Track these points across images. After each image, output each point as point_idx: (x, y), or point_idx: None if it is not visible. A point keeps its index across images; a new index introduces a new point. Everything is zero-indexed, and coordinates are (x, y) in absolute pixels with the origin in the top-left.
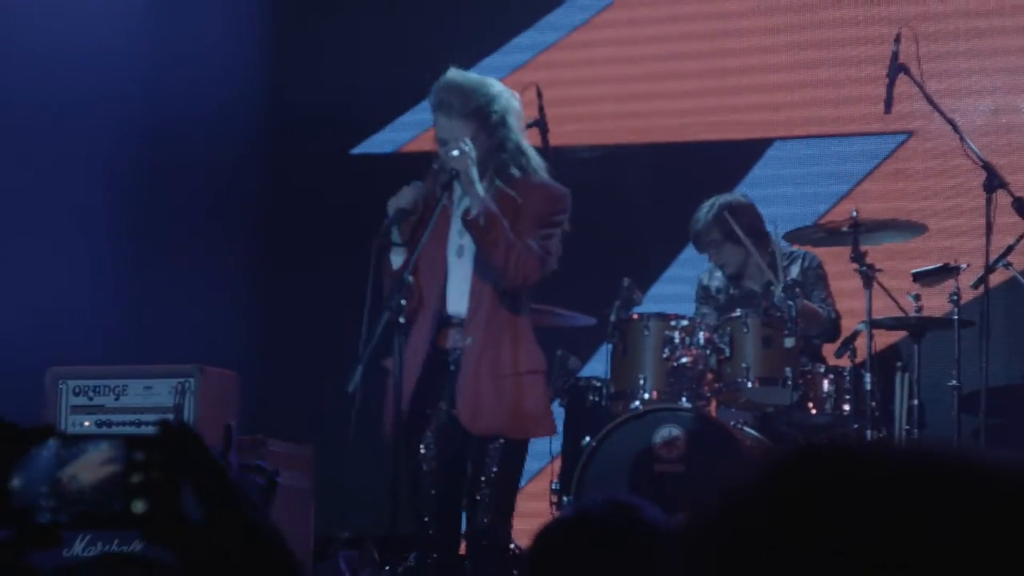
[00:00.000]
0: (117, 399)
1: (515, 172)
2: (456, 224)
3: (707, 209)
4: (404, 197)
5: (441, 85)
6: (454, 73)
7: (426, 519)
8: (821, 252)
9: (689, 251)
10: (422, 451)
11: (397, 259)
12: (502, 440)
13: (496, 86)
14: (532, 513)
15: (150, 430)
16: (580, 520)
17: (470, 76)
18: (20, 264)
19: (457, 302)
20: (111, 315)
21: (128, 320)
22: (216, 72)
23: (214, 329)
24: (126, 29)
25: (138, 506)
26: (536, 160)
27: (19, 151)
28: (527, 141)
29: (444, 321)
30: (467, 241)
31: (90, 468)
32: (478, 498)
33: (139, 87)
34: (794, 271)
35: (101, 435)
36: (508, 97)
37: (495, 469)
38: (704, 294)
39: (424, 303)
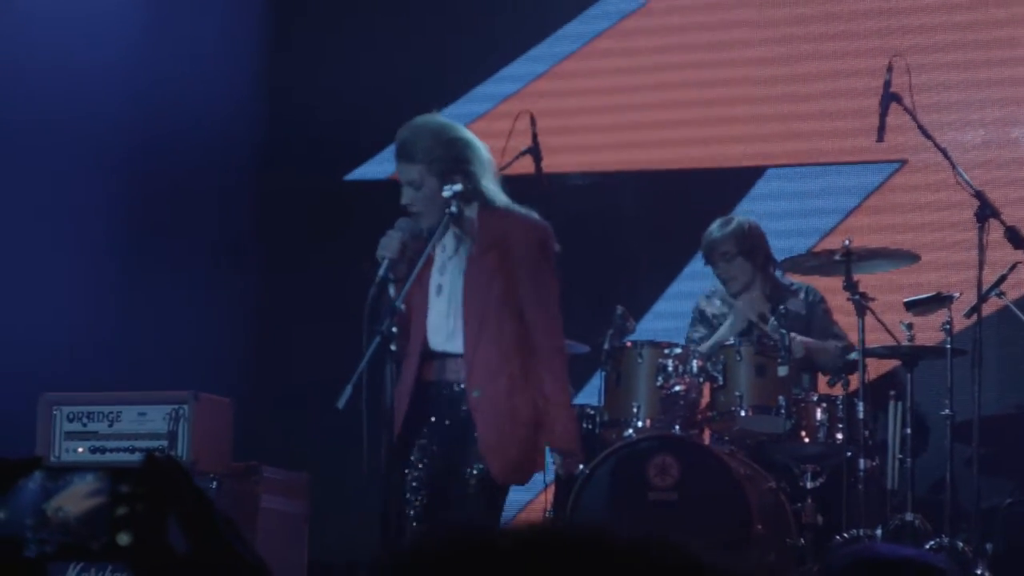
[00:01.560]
0: (111, 425)
1: (470, 210)
2: (437, 262)
3: (723, 223)
4: (389, 246)
5: (404, 130)
6: (419, 119)
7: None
8: (812, 280)
9: (682, 279)
10: (410, 486)
11: (402, 304)
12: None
13: (460, 131)
14: None
15: (136, 461)
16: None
17: (434, 121)
18: (13, 288)
19: (436, 337)
20: (105, 340)
21: (122, 345)
22: (209, 97)
23: (209, 356)
24: (120, 49)
25: (123, 538)
26: (501, 199)
27: (11, 172)
28: (496, 186)
29: (426, 355)
30: (446, 280)
31: (76, 500)
32: None
33: (130, 114)
34: (795, 304)
35: (87, 466)
36: (473, 144)
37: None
38: (700, 318)
39: (412, 338)
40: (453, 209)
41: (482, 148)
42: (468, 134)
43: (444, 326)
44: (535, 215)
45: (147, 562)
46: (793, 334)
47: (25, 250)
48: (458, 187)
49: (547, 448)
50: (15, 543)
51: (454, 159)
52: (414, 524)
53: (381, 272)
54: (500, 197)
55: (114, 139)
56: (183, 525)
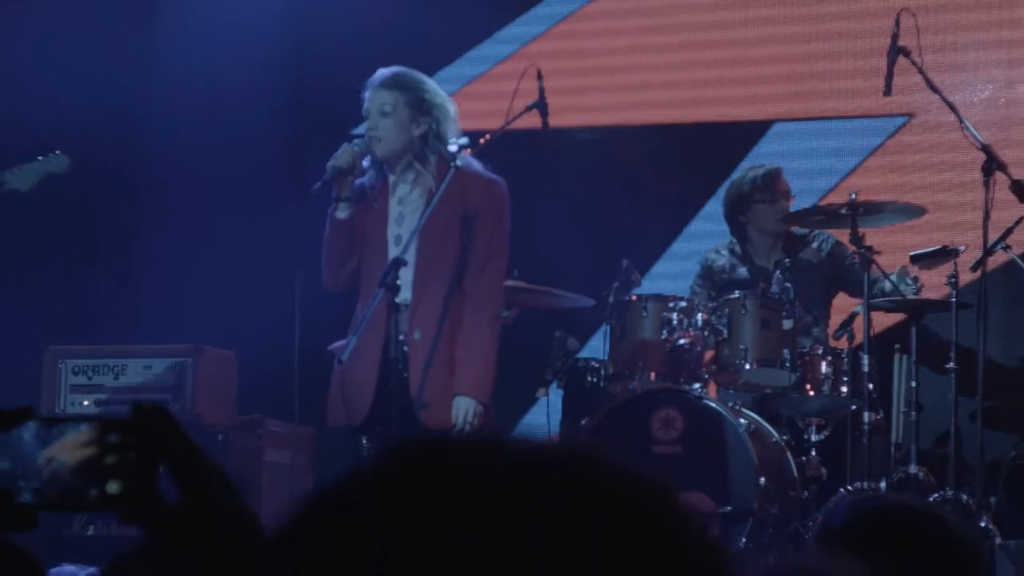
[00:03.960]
0: (116, 379)
1: (432, 158)
2: (392, 212)
3: (754, 171)
4: (342, 156)
5: (390, 68)
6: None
7: None
8: None
9: (688, 233)
10: (372, 443)
11: (342, 213)
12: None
13: (439, 88)
14: None
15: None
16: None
17: (418, 72)
18: (19, 245)
19: (400, 288)
20: (111, 294)
21: (127, 299)
22: (239, 49)
23: (214, 308)
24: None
25: (113, 487)
26: (462, 155)
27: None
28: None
29: (391, 307)
30: (404, 229)
31: (69, 450)
32: None
33: (138, 59)
34: (808, 254)
35: (80, 417)
36: (447, 100)
37: None
38: (707, 272)
39: (368, 287)
40: (459, 162)
41: (453, 107)
42: (443, 92)
43: (404, 277)
44: (491, 173)
45: (137, 510)
46: None
47: (31, 205)
48: (464, 140)
49: (457, 396)
50: (8, 492)
51: (430, 102)
52: None
53: (326, 176)
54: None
55: (114, 98)
56: (173, 474)
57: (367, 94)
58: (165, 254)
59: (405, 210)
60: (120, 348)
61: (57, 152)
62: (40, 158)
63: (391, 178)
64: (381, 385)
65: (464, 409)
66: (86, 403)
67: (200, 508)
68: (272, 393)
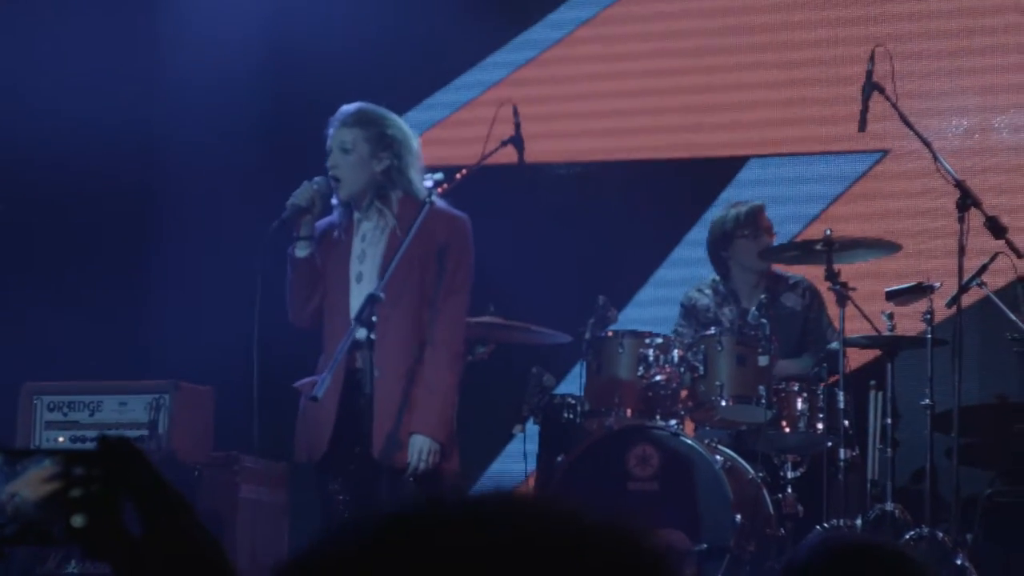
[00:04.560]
0: (92, 415)
1: (395, 194)
2: (355, 249)
3: (737, 208)
4: (301, 194)
5: (351, 105)
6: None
7: None
8: (794, 271)
9: (664, 269)
10: (336, 485)
11: (301, 252)
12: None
13: (400, 122)
14: None
15: (90, 446)
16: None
17: (380, 108)
18: None
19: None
20: (87, 329)
21: (103, 334)
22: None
23: (191, 344)
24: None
25: (78, 520)
26: (424, 192)
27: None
28: (421, 180)
29: (352, 344)
30: (366, 267)
31: (33, 486)
32: None
33: (125, 89)
34: (790, 300)
35: (43, 451)
36: (408, 134)
37: None
38: (690, 312)
39: (332, 324)
40: (433, 198)
41: (415, 141)
42: (406, 127)
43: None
44: (455, 209)
45: (102, 544)
46: (781, 362)
47: (8, 238)
48: (439, 176)
49: (413, 435)
50: None
51: (391, 137)
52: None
53: (285, 214)
54: (423, 190)
55: (110, 122)
56: (138, 507)
57: (330, 131)
58: (143, 287)
59: (367, 247)
60: (96, 384)
61: None
62: None
63: (356, 215)
64: (339, 423)
65: (419, 447)
66: (61, 439)
67: (166, 540)
68: (247, 429)
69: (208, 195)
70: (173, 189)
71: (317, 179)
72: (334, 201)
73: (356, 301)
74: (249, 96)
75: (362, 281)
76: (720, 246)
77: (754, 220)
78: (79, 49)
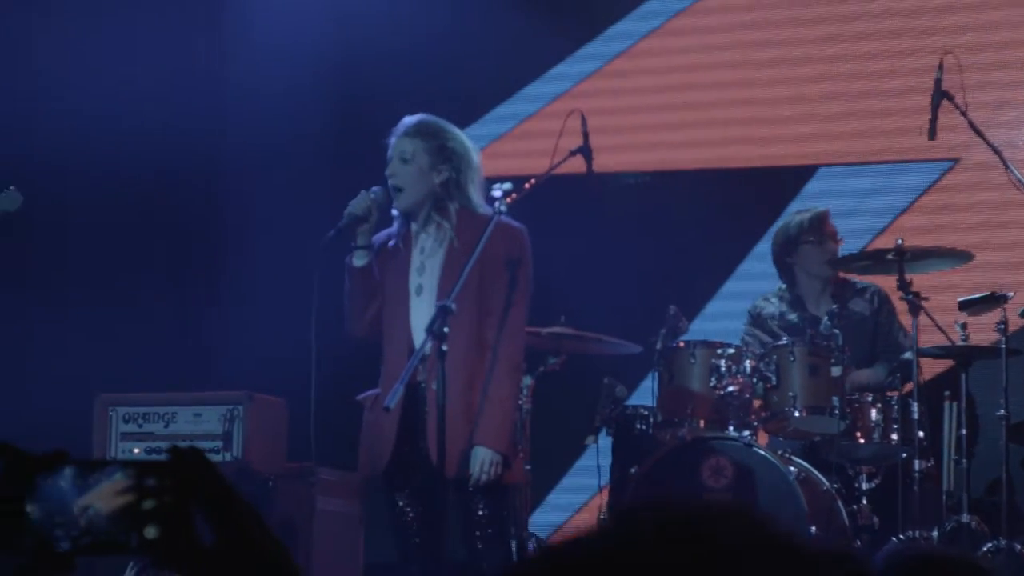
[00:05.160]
0: (167, 426)
1: (453, 207)
2: (415, 261)
3: (801, 214)
4: (358, 204)
5: (413, 116)
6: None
7: (413, 563)
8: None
9: (736, 279)
10: (403, 499)
11: (358, 261)
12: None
13: (462, 135)
14: None
15: (162, 457)
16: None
17: (443, 120)
18: (72, 288)
19: (420, 338)
20: (162, 340)
21: (178, 346)
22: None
23: (265, 355)
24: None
25: (150, 531)
26: (484, 207)
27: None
28: (480, 195)
29: (415, 356)
30: (425, 279)
31: (105, 498)
32: (479, 547)
33: (188, 103)
34: (859, 305)
35: (115, 463)
36: (469, 148)
37: (484, 519)
38: (757, 320)
39: (392, 336)
40: (502, 207)
41: (476, 155)
42: (467, 140)
43: (421, 327)
44: (514, 221)
45: (174, 554)
46: (855, 372)
47: (84, 250)
48: (508, 186)
49: (475, 447)
50: (46, 539)
51: (450, 150)
52: (415, 540)
53: (342, 223)
54: (482, 205)
55: (171, 130)
56: (208, 517)
57: (391, 141)
58: (211, 298)
59: (426, 259)
60: (170, 396)
61: (11, 188)
62: None
63: (414, 227)
64: (401, 434)
65: (481, 459)
66: (136, 451)
67: (236, 550)
68: (324, 440)
69: (275, 204)
70: (241, 200)
71: (375, 189)
72: (394, 212)
73: (416, 313)
74: (314, 106)
75: (422, 293)
76: (785, 252)
77: (819, 226)
78: (147, 55)
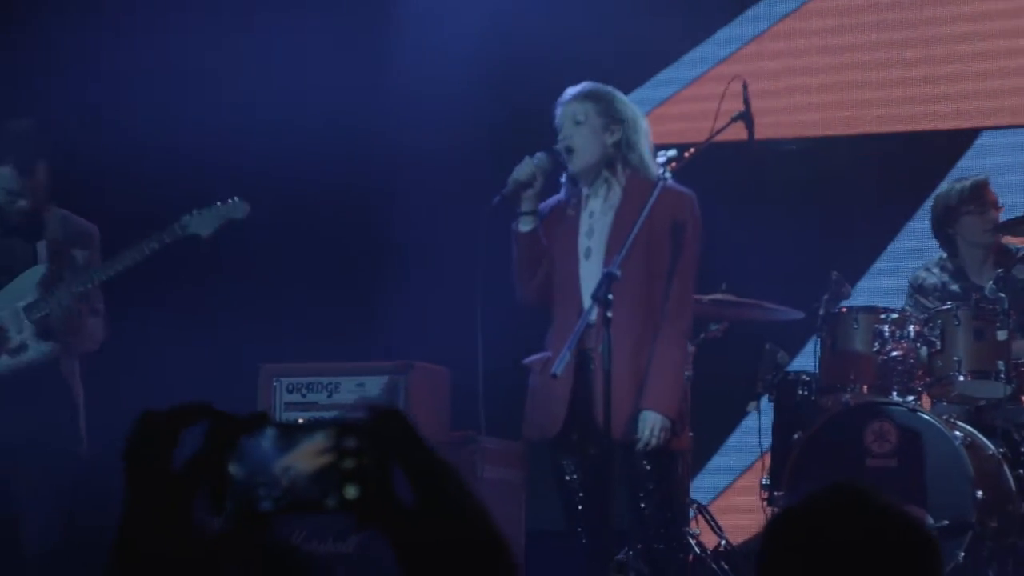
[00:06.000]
0: (330, 396)
1: (625, 170)
2: (583, 225)
3: (961, 183)
4: (522, 170)
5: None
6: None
7: (579, 529)
8: None
9: (898, 243)
10: (571, 466)
11: (524, 226)
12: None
13: (622, 96)
14: (743, 509)
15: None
16: (809, 509)
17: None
18: (237, 260)
19: (589, 301)
20: (325, 311)
21: (341, 316)
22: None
23: (427, 325)
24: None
25: (351, 491)
26: (654, 170)
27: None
28: (651, 158)
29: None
30: (594, 242)
31: (306, 459)
32: (644, 512)
33: (346, 85)
34: (1022, 271)
35: (316, 425)
36: (639, 114)
37: (651, 484)
38: (918, 291)
39: (561, 300)
40: (667, 174)
41: (643, 120)
42: (634, 106)
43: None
44: (682, 187)
45: (375, 514)
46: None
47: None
48: (672, 152)
49: (643, 411)
50: (248, 499)
51: (620, 112)
52: (579, 508)
53: (507, 189)
54: (654, 168)
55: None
56: (409, 477)
57: (558, 110)
58: (384, 270)
59: (595, 223)
60: (333, 366)
61: (237, 198)
62: (219, 204)
63: (584, 191)
64: (574, 399)
65: (651, 423)
66: (300, 421)
67: (437, 511)
68: (487, 409)
69: (434, 185)
70: (401, 181)
71: (539, 154)
72: (562, 179)
73: (586, 277)
74: (475, 96)
75: (590, 257)
76: (945, 223)
77: (979, 195)
78: (314, 57)
